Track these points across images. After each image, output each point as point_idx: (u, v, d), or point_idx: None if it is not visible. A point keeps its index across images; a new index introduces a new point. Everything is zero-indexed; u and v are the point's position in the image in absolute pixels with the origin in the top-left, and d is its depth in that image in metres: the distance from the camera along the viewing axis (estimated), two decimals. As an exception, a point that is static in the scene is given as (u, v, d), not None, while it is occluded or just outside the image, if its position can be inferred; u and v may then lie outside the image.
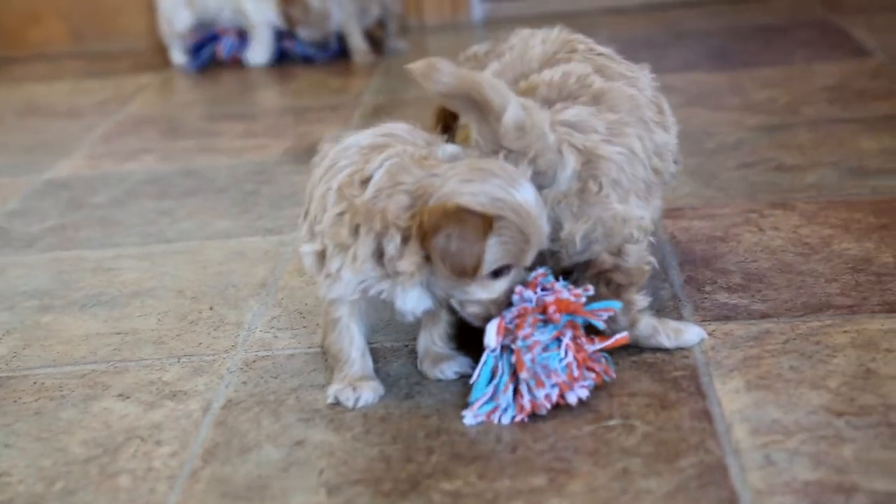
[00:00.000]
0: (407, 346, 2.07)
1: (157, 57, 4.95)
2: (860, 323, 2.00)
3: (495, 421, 1.80)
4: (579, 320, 1.85)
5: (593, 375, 1.83)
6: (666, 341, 1.98)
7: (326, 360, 1.99)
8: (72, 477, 1.77)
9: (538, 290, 1.83)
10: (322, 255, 1.88)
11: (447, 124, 2.08)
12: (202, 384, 2.02)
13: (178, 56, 4.78)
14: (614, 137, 1.91)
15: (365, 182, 1.81)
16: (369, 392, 1.90)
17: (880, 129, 3.03)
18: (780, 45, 4.12)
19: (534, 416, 1.79)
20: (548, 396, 1.79)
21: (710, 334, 2.01)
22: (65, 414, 1.96)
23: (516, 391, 1.81)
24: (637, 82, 2.03)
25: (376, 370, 1.98)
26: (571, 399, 1.80)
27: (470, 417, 1.81)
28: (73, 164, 3.48)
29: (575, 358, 1.82)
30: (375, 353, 2.05)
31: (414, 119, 1.96)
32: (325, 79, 4.37)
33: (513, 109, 1.79)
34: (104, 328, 2.28)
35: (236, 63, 4.72)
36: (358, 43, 4.60)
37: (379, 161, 1.82)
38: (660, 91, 2.09)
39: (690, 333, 1.99)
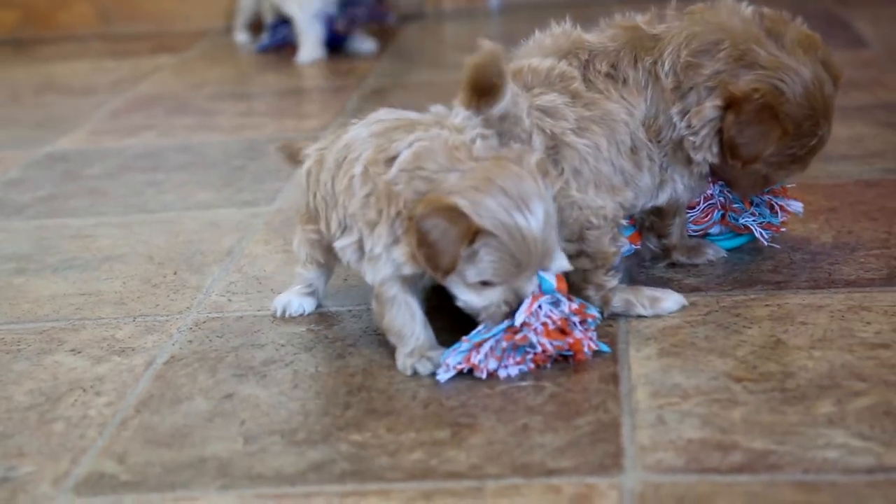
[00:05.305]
0: (350, 310, 2.15)
1: (181, 39, 5.07)
2: (783, 297, 2.06)
3: (446, 360, 1.86)
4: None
5: (532, 366, 1.88)
6: (642, 311, 2.03)
7: (388, 339, 1.94)
8: (11, 422, 1.87)
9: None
10: (360, 244, 1.88)
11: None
12: (151, 342, 2.11)
13: (242, 36, 4.89)
14: (582, 131, 1.97)
15: (391, 161, 1.81)
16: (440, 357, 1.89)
17: (854, 117, 3.07)
18: (782, 36, 4.14)
19: (461, 374, 1.86)
20: (487, 368, 1.85)
21: (637, 305, 2.07)
22: (17, 366, 2.06)
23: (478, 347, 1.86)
24: (633, 111, 2.03)
25: (317, 332, 2.07)
26: (502, 374, 1.86)
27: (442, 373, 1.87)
28: (75, 138, 3.60)
29: (534, 356, 1.88)
30: (319, 317, 2.14)
31: (411, 104, 2.02)
32: (336, 63, 4.45)
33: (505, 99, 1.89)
34: (71, 289, 2.38)
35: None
36: None
37: (408, 140, 1.82)
38: None
39: (669, 301, 2.05)
